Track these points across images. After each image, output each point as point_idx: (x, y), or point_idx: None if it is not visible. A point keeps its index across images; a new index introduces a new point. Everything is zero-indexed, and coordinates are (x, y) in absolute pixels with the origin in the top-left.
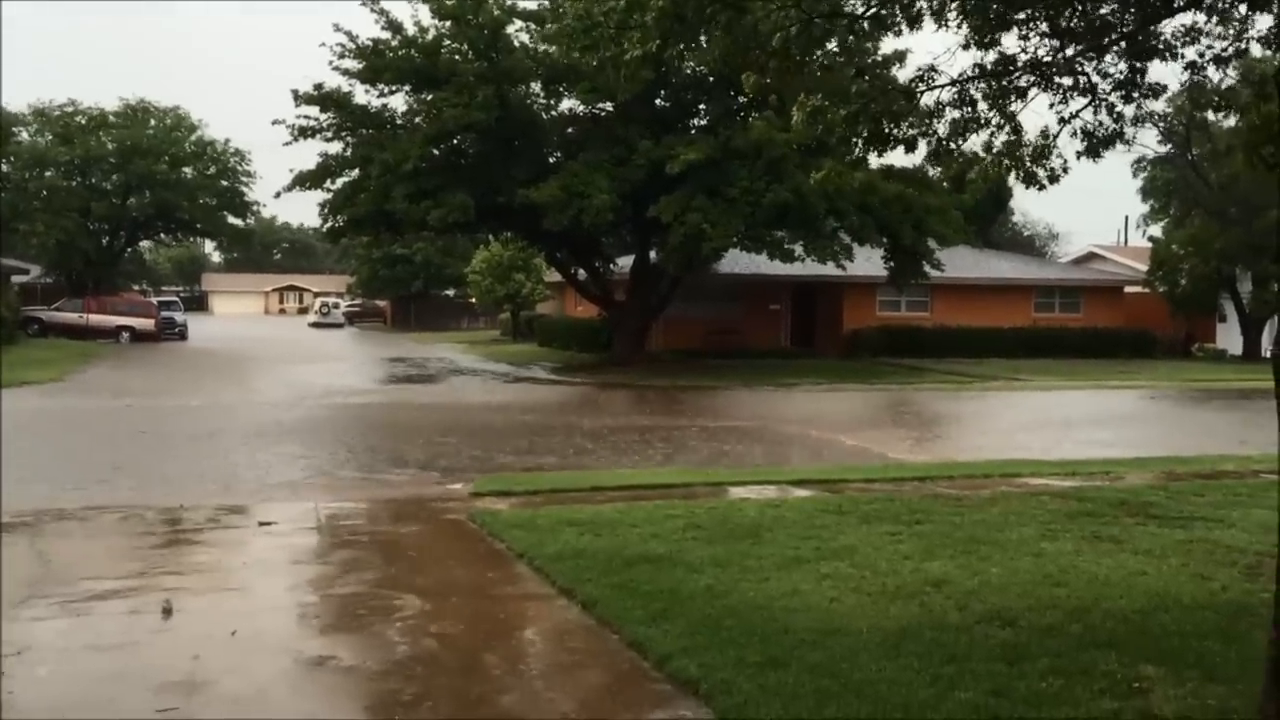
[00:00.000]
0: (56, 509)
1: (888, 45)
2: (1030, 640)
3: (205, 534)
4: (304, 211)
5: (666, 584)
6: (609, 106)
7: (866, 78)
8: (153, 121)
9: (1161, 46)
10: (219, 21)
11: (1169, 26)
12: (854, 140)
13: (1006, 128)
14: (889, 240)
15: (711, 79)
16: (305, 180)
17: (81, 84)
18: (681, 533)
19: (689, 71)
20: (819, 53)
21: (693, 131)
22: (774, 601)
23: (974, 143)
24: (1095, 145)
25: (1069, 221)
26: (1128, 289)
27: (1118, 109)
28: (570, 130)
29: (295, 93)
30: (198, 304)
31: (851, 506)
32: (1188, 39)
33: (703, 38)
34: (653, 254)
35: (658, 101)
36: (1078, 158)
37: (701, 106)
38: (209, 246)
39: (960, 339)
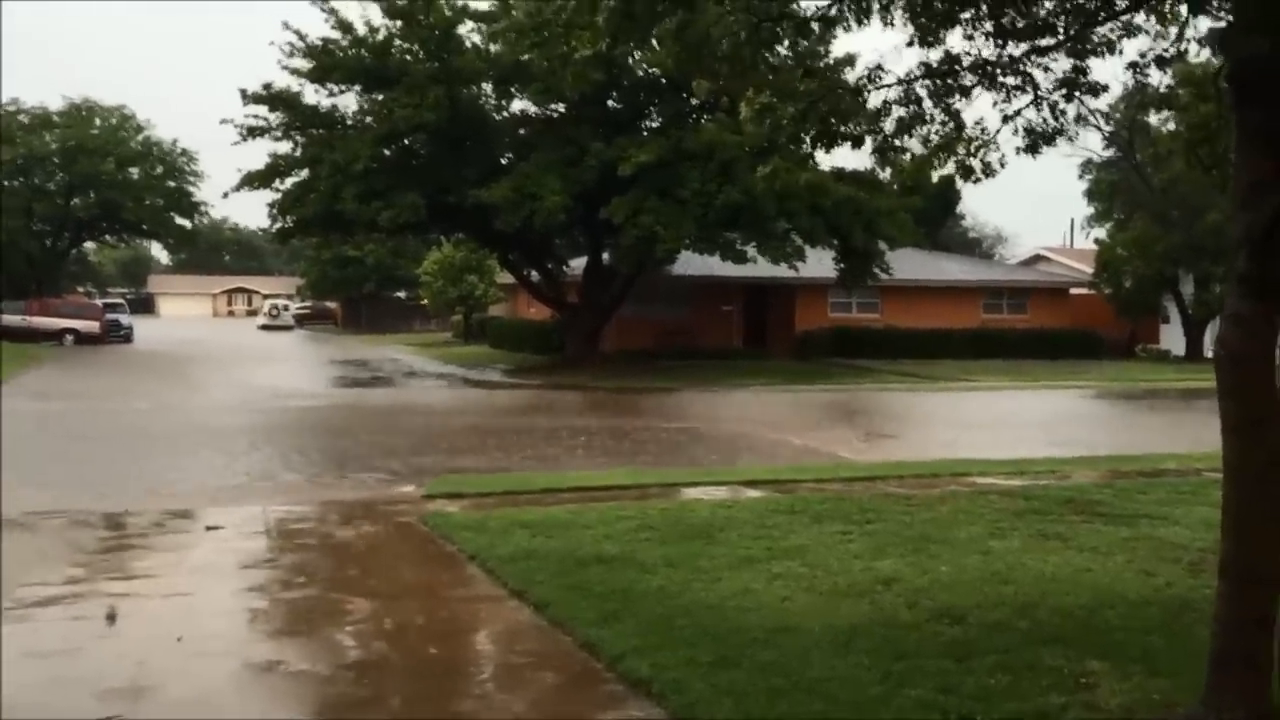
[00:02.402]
0: None
1: (839, 47)
2: (978, 637)
3: (150, 539)
4: (253, 212)
5: (619, 585)
6: (561, 108)
7: (815, 79)
8: (98, 120)
9: (1100, 41)
10: (166, 19)
11: (1110, 27)
12: (802, 138)
13: (950, 125)
14: (840, 242)
15: (663, 80)
16: (254, 180)
17: (24, 83)
18: (634, 534)
19: (640, 73)
20: (769, 56)
21: (644, 133)
22: (726, 601)
23: (918, 140)
24: (1036, 142)
25: (1017, 224)
26: (1074, 290)
27: (1060, 107)
28: (522, 131)
29: (243, 92)
30: (144, 306)
31: (803, 506)
32: (1125, 34)
33: (654, 42)
34: (605, 255)
35: (609, 103)
36: (1018, 153)
37: (653, 108)
38: (156, 248)
39: (910, 340)
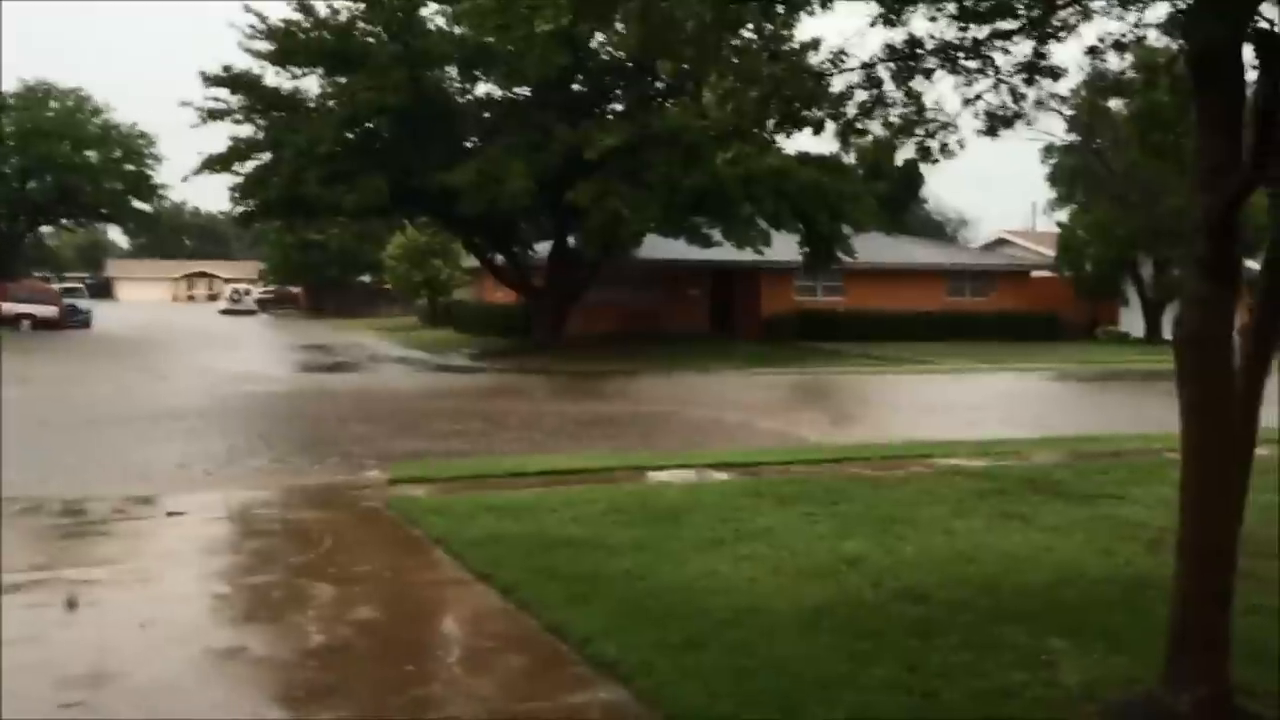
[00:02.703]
0: None
1: (804, 31)
2: (942, 615)
3: (111, 525)
4: (214, 196)
5: (586, 567)
6: (526, 91)
7: (780, 63)
8: (54, 103)
9: (1060, 25)
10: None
11: (1070, 11)
12: (766, 123)
13: (911, 107)
14: (805, 226)
15: (628, 64)
16: (215, 163)
17: None
18: (602, 516)
19: (605, 57)
20: (734, 39)
21: (610, 117)
22: (694, 583)
23: (879, 123)
24: (995, 125)
25: (980, 208)
26: (1035, 273)
27: (1019, 91)
28: (486, 115)
29: (204, 75)
30: (103, 291)
31: (769, 489)
32: (1084, 17)
33: (619, 24)
34: (571, 239)
35: (574, 86)
36: (978, 136)
37: (619, 91)
38: (114, 232)
39: (875, 323)
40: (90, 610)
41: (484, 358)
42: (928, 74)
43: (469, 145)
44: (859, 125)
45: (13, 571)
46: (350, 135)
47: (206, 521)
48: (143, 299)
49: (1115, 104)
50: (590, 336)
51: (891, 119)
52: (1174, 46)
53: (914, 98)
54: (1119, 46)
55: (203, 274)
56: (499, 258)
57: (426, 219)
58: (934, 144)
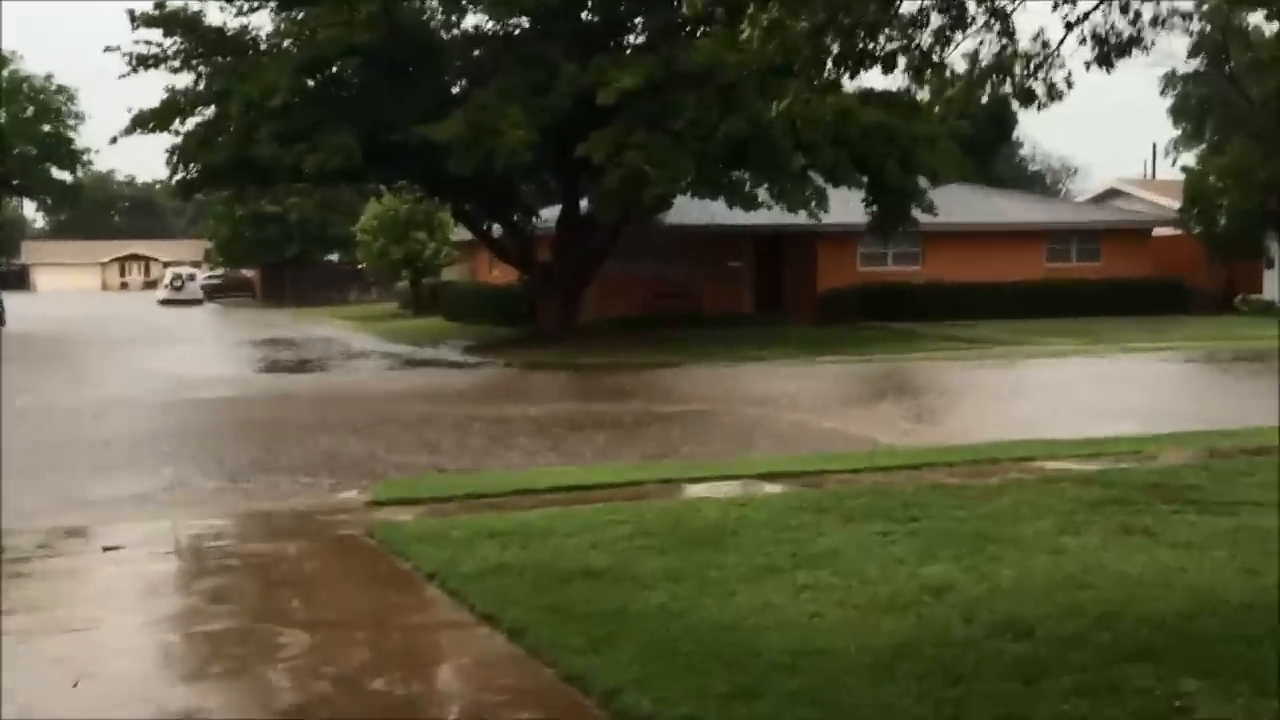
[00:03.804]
0: None
1: None
2: (1050, 654)
3: (34, 564)
4: (149, 161)
5: (611, 603)
6: (524, 22)
7: None
8: None
9: None
10: None
11: None
12: (822, 59)
13: (996, 28)
14: (870, 179)
15: None
16: (148, 121)
17: None
18: (628, 541)
19: None
20: None
21: (628, 52)
22: (742, 620)
23: (960, 57)
24: (1107, 53)
25: (1087, 152)
26: (1156, 231)
27: (1134, 8)
28: (477, 53)
29: (132, 14)
30: (17, 280)
31: (833, 502)
32: None
33: None
34: (583, 203)
35: (584, 15)
36: (1086, 68)
37: (638, 20)
38: (29, 208)
39: (958, 297)
40: (11, 666)
41: (479, 350)
42: None
43: (456, 91)
44: (935, 58)
45: None
46: (311, 82)
47: (150, 557)
48: (66, 288)
49: (1255, 18)
50: (608, 322)
51: (980, 55)
52: None
53: (1000, 17)
54: None
55: (136, 256)
56: (496, 228)
57: (406, 183)
58: (1038, 85)
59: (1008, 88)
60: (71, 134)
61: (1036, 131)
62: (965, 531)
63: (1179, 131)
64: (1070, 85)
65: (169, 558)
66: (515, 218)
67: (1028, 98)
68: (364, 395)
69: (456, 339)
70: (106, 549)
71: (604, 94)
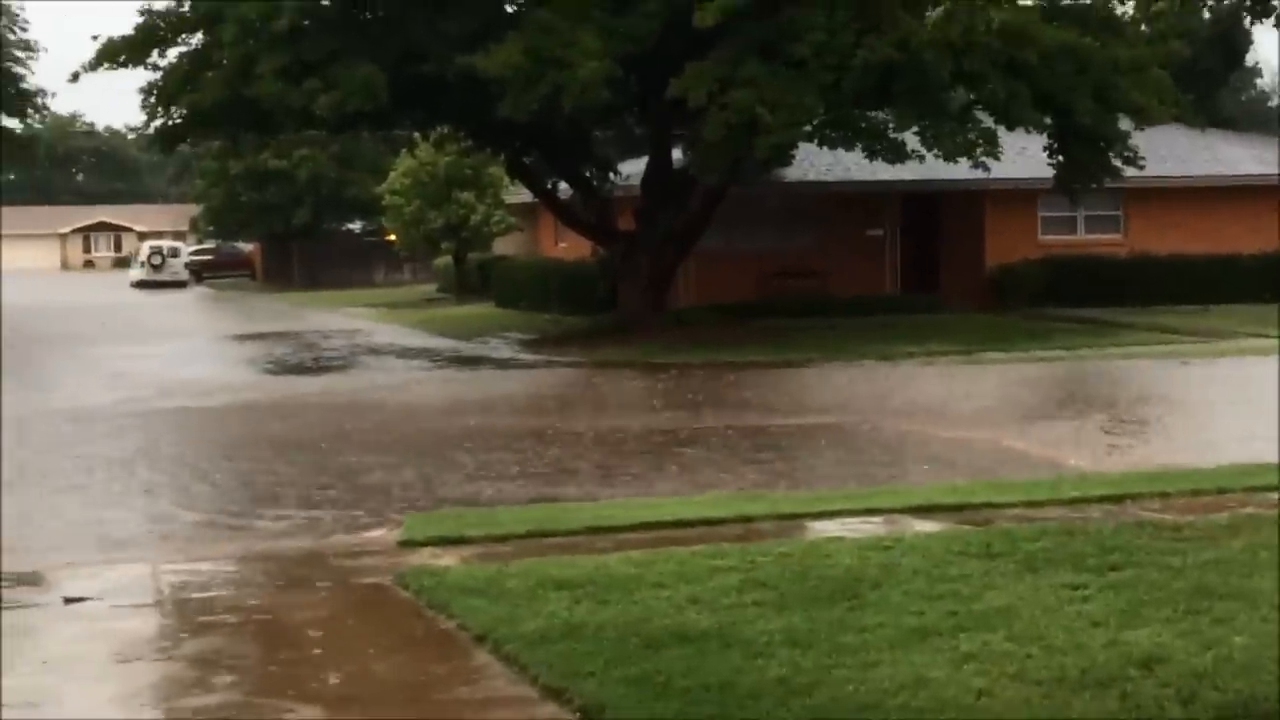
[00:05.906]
0: None
1: None
2: None
3: None
4: (120, 104)
5: (715, 676)
6: None
7: None
8: None
9: None
10: None
11: None
12: None
13: None
14: (1055, 120)
15: None
16: (118, 52)
17: None
18: (736, 595)
19: None
20: None
21: None
22: (888, 698)
23: None
24: None
25: None
26: None
27: None
28: None
29: None
30: None
31: (1006, 545)
32: None
33: None
34: (677, 155)
35: None
36: None
37: None
38: None
39: (1173, 275)
40: None
41: (544, 346)
42: None
43: (511, 9)
44: None
45: None
46: (324, 1)
47: (123, 611)
48: (18, 266)
49: None
50: (710, 309)
51: None
52: None
53: None
54: None
55: (105, 226)
56: (563, 188)
57: (447, 130)
58: None
59: None
60: (22, 70)
61: (1274, 55)
62: (1182, 585)
63: None
64: None
65: (145, 612)
66: (588, 174)
67: (1263, 7)
68: (396, 405)
69: (512, 331)
70: (68, 601)
71: (703, 15)
